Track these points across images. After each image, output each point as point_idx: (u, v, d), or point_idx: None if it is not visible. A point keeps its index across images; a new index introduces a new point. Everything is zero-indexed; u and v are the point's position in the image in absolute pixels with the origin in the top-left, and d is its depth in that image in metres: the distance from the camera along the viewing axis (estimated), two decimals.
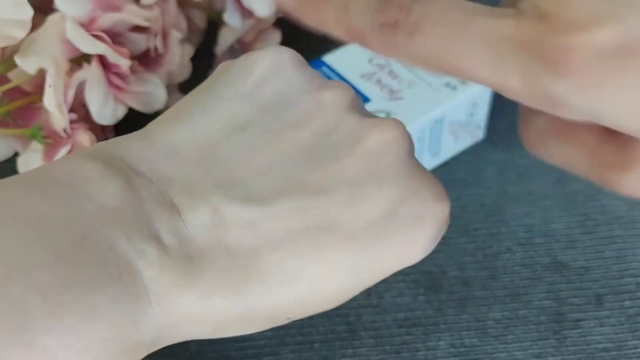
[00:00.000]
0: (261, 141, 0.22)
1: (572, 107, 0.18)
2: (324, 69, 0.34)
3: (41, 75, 0.30)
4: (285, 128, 0.22)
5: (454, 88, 0.33)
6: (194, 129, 0.22)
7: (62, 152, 0.31)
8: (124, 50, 0.31)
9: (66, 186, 0.20)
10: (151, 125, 0.23)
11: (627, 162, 0.20)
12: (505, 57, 0.18)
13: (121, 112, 0.33)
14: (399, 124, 0.23)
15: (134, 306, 0.19)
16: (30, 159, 0.33)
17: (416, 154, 0.34)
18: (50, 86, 0.29)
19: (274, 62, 0.23)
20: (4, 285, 0.17)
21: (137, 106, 0.33)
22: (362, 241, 0.21)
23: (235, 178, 0.21)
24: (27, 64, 0.30)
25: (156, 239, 0.20)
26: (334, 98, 0.23)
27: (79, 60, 0.31)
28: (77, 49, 0.30)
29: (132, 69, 0.33)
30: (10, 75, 0.32)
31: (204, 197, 0.21)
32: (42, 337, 0.17)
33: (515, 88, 0.18)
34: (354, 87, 0.33)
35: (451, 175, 0.36)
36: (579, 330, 0.30)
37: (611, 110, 0.18)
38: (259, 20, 0.37)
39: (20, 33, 0.30)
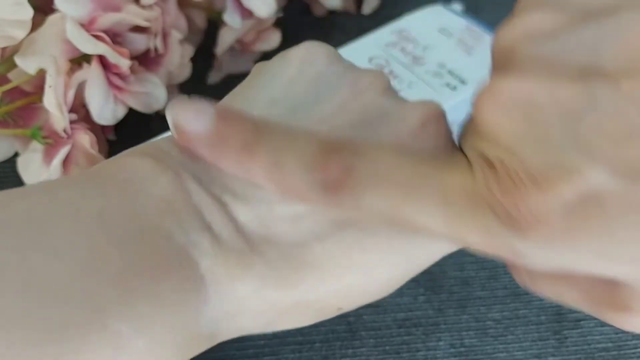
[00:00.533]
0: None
1: (541, 261, 0.17)
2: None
3: (41, 75, 0.30)
4: (324, 121, 0.22)
5: (454, 88, 0.33)
6: None
7: (62, 152, 0.31)
8: (124, 50, 0.31)
9: (122, 182, 0.20)
10: None
11: (622, 302, 0.18)
12: (460, 212, 0.18)
13: (121, 112, 0.33)
14: (437, 104, 0.22)
15: (195, 295, 0.19)
16: (30, 159, 0.33)
17: None
18: (50, 86, 0.29)
19: (309, 57, 0.23)
20: (75, 276, 0.18)
21: (137, 106, 0.33)
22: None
23: None
24: (27, 64, 0.30)
25: (209, 229, 0.20)
26: (369, 84, 0.23)
27: (79, 60, 0.31)
28: (77, 49, 0.30)
29: (132, 69, 0.33)
30: (11, 75, 0.32)
31: (247, 194, 0.21)
32: (116, 322, 0.18)
33: (476, 243, 0.18)
34: None
35: None
36: (579, 330, 0.30)
37: (583, 261, 0.17)
38: (259, 20, 0.37)
39: (20, 33, 0.30)
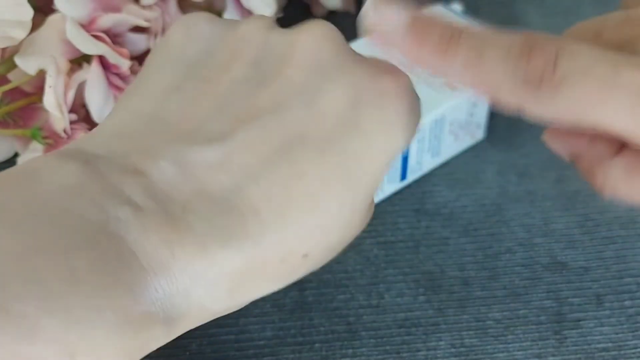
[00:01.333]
0: (200, 91, 0.21)
1: None
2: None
3: (41, 75, 0.30)
4: (218, 71, 0.22)
5: (454, 88, 0.33)
6: (133, 107, 0.22)
7: None
8: (124, 50, 0.31)
9: (20, 175, 0.19)
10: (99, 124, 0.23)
11: None
12: None
13: None
14: (324, 22, 0.22)
15: (125, 273, 0.18)
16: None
17: (416, 154, 0.34)
18: (50, 87, 0.29)
19: (187, 25, 0.23)
20: None
21: None
22: (337, 141, 0.20)
23: (190, 129, 0.21)
24: (27, 65, 0.30)
25: (128, 202, 0.19)
26: (251, 27, 0.23)
27: (79, 60, 0.31)
28: (77, 50, 0.30)
29: (132, 69, 0.33)
30: (11, 75, 0.32)
31: (163, 153, 0.20)
32: (18, 303, 0.16)
33: None
34: None
35: (451, 175, 0.36)
36: (579, 330, 0.30)
37: None
38: None
39: (20, 33, 0.30)
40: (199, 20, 0.23)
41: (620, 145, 0.22)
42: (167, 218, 0.19)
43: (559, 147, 0.24)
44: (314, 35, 0.22)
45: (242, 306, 0.21)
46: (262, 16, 0.23)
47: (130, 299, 0.18)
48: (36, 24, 0.30)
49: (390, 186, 0.34)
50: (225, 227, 0.19)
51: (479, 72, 0.20)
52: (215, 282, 0.19)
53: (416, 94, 0.22)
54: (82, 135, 0.23)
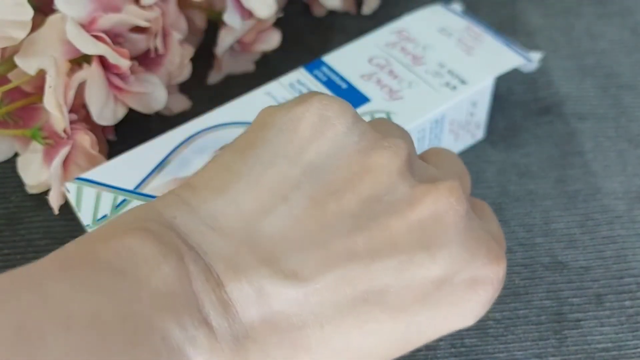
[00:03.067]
0: (305, 212, 0.21)
1: None
2: (324, 69, 0.34)
3: (41, 76, 0.30)
4: (331, 195, 0.21)
5: (454, 88, 0.33)
6: (237, 201, 0.21)
7: (62, 152, 0.31)
8: (124, 50, 0.31)
9: (118, 275, 0.19)
10: (189, 187, 0.22)
11: None
12: None
13: (121, 113, 0.33)
14: (455, 189, 0.21)
15: None
16: (30, 160, 0.33)
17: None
18: (50, 87, 0.29)
19: (320, 118, 0.22)
20: None
21: (137, 106, 0.33)
22: (411, 312, 0.21)
23: (279, 253, 0.20)
24: (27, 65, 0.30)
25: (206, 323, 0.19)
26: (385, 162, 0.21)
27: (79, 60, 0.31)
28: (77, 50, 0.30)
29: (132, 70, 0.33)
30: (11, 75, 0.32)
31: (249, 274, 0.20)
32: None
33: None
34: (353, 88, 0.33)
35: None
36: (579, 330, 0.30)
37: None
38: (259, 20, 0.37)
39: (20, 34, 0.30)
40: (336, 118, 0.22)
41: None
42: (231, 345, 0.19)
43: None
44: (439, 202, 0.21)
45: None
46: (400, 150, 0.21)
47: None
48: (36, 24, 0.30)
49: None
50: (276, 359, 0.20)
51: None
52: None
53: (503, 283, 0.22)
54: (176, 201, 0.21)
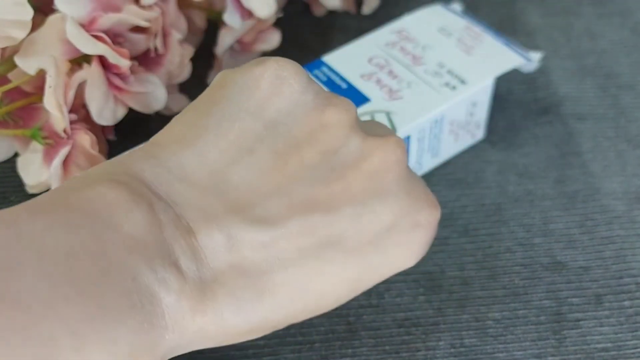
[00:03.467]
0: (269, 163, 0.22)
1: None
2: (324, 69, 0.34)
3: (41, 75, 0.30)
4: (292, 148, 0.23)
5: (454, 88, 0.33)
6: (202, 152, 0.22)
7: (62, 152, 0.31)
8: (124, 50, 0.31)
9: (91, 217, 0.20)
10: (156, 144, 0.23)
11: None
12: None
13: (121, 113, 0.33)
14: (400, 143, 0.23)
15: (152, 333, 0.19)
16: (30, 160, 0.33)
17: (416, 154, 0.34)
18: (50, 87, 0.29)
19: (278, 77, 0.23)
20: (33, 322, 0.17)
21: (137, 106, 0.33)
22: (365, 255, 0.23)
23: (247, 201, 0.22)
24: (27, 65, 0.30)
25: (176, 266, 0.20)
26: (338, 118, 0.23)
27: (79, 60, 0.31)
28: (77, 50, 0.30)
29: (132, 69, 0.33)
30: (11, 75, 0.32)
31: (218, 222, 0.21)
32: None
33: None
34: (353, 87, 0.33)
35: (451, 175, 0.36)
36: (578, 330, 0.30)
37: None
38: (259, 20, 0.37)
39: (20, 33, 0.30)
40: (292, 77, 0.23)
41: None
42: (200, 287, 0.20)
43: None
44: (386, 156, 0.23)
45: None
46: (349, 106, 0.24)
47: (149, 355, 0.19)
48: (36, 24, 0.30)
49: None
50: (243, 302, 0.21)
51: None
52: (215, 338, 0.21)
53: (437, 227, 0.24)
54: (145, 156, 0.22)
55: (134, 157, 0.22)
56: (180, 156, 0.22)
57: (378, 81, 0.34)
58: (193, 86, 0.39)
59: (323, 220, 0.22)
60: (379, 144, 0.23)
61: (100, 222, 0.20)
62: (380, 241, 0.23)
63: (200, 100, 0.24)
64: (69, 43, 0.30)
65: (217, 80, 0.24)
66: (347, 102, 0.24)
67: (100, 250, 0.19)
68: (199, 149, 0.22)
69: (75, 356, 0.18)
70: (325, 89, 0.24)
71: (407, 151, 0.24)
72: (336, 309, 0.30)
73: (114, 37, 0.32)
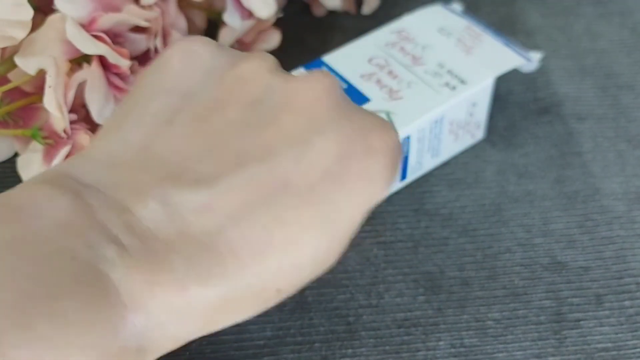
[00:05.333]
0: (192, 129, 0.22)
1: None
2: (324, 69, 0.34)
3: (41, 75, 0.30)
4: (213, 109, 0.22)
5: (454, 88, 0.33)
6: (125, 136, 0.22)
7: (62, 152, 0.31)
8: (124, 50, 0.31)
9: (16, 211, 0.20)
10: (88, 146, 0.23)
11: None
12: None
13: None
14: (326, 74, 0.23)
15: (109, 310, 0.19)
16: (30, 159, 0.33)
17: (416, 154, 0.34)
18: (50, 87, 0.29)
19: (187, 52, 0.24)
20: None
21: None
22: (321, 192, 0.21)
23: (178, 168, 0.21)
24: (27, 65, 0.30)
25: (115, 242, 0.20)
26: (253, 67, 0.23)
27: (79, 60, 0.31)
28: (77, 50, 0.30)
29: (132, 69, 0.33)
30: (11, 75, 0.32)
31: (151, 192, 0.21)
32: (13, 349, 0.17)
33: None
34: (353, 87, 0.33)
35: (451, 175, 0.36)
36: (578, 330, 0.30)
37: None
38: (259, 20, 0.37)
39: (20, 33, 0.30)
40: (200, 48, 0.24)
41: None
42: (150, 258, 0.20)
43: None
44: (314, 88, 0.22)
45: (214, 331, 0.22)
46: (265, 55, 0.24)
47: (112, 336, 0.19)
48: (36, 24, 0.30)
49: None
50: (204, 268, 0.20)
51: None
52: (190, 317, 0.20)
53: (400, 149, 0.23)
54: (72, 158, 0.23)
55: (65, 161, 0.23)
56: (106, 145, 0.22)
57: (378, 81, 0.34)
58: None
59: (260, 168, 0.21)
60: (304, 80, 0.23)
61: (25, 213, 0.20)
62: (333, 176, 0.22)
63: (125, 95, 0.25)
64: (69, 43, 0.30)
65: (138, 77, 0.25)
66: (263, 53, 0.24)
67: (31, 239, 0.19)
68: (122, 134, 0.22)
69: (19, 332, 0.17)
70: (239, 52, 0.25)
71: (338, 83, 0.23)
72: (336, 309, 0.30)
73: (114, 37, 0.32)
